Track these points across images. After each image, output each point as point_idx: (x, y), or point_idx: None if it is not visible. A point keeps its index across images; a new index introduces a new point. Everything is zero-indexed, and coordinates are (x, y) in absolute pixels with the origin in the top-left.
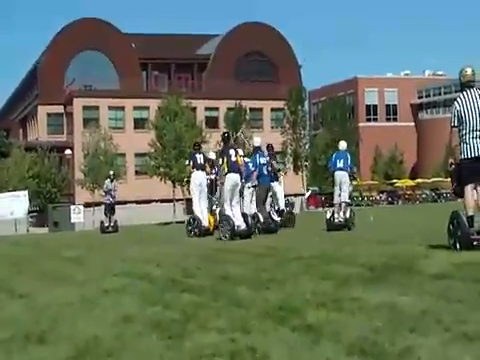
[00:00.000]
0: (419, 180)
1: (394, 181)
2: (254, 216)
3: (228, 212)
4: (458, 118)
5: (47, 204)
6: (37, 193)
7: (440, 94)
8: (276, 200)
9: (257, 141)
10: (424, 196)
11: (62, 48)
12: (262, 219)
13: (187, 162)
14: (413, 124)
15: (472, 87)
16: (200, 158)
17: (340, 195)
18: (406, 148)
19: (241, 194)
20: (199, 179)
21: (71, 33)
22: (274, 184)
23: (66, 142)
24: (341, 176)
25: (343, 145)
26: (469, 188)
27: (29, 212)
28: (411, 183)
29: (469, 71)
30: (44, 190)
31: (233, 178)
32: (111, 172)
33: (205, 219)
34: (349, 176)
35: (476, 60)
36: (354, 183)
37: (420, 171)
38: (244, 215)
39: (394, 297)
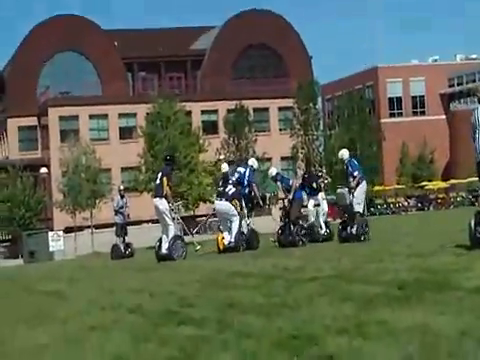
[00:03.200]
0: (453, 181)
1: (424, 184)
2: (242, 233)
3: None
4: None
5: (21, 231)
6: (9, 219)
7: (474, 81)
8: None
9: (273, 170)
10: (459, 199)
11: (33, 51)
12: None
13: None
14: (444, 117)
15: None
16: (158, 178)
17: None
18: (437, 145)
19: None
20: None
21: (43, 33)
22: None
23: (41, 159)
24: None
25: (347, 153)
26: None
27: (0, 242)
28: (444, 185)
29: None
30: (17, 215)
31: (153, 202)
32: (121, 187)
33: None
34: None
35: None
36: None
37: (454, 171)
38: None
39: (428, 318)
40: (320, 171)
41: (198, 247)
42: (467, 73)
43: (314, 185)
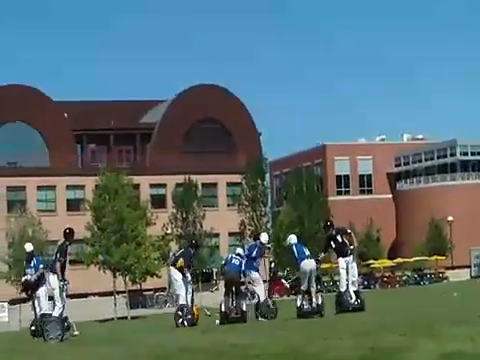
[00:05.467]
0: (399, 260)
1: (370, 262)
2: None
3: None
4: None
5: None
6: None
7: (420, 161)
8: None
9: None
10: (405, 278)
11: None
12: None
13: None
14: (390, 196)
15: None
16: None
17: (309, 283)
18: (383, 224)
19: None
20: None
21: None
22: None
23: None
24: (312, 265)
25: (295, 238)
26: None
27: None
28: (390, 264)
29: None
30: None
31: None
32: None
33: None
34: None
35: (456, 122)
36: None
37: (400, 250)
38: None
39: None
40: (349, 231)
41: (76, 333)
42: (414, 153)
43: (339, 239)
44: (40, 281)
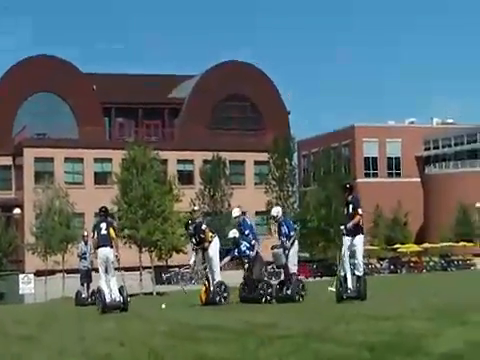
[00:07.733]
0: (426, 245)
1: (397, 246)
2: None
3: (102, 285)
4: None
5: None
6: None
7: (450, 145)
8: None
9: (233, 232)
10: (432, 264)
11: (10, 90)
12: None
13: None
14: (419, 180)
15: None
16: (103, 229)
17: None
18: (411, 208)
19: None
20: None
21: (21, 73)
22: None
23: (15, 199)
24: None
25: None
26: None
27: None
28: (417, 248)
29: None
30: None
31: (102, 252)
32: (85, 233)
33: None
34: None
35: None
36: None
37: (427, 235)
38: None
39: None
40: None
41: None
42: (443, 137)
43: (350, 209)
44: None
